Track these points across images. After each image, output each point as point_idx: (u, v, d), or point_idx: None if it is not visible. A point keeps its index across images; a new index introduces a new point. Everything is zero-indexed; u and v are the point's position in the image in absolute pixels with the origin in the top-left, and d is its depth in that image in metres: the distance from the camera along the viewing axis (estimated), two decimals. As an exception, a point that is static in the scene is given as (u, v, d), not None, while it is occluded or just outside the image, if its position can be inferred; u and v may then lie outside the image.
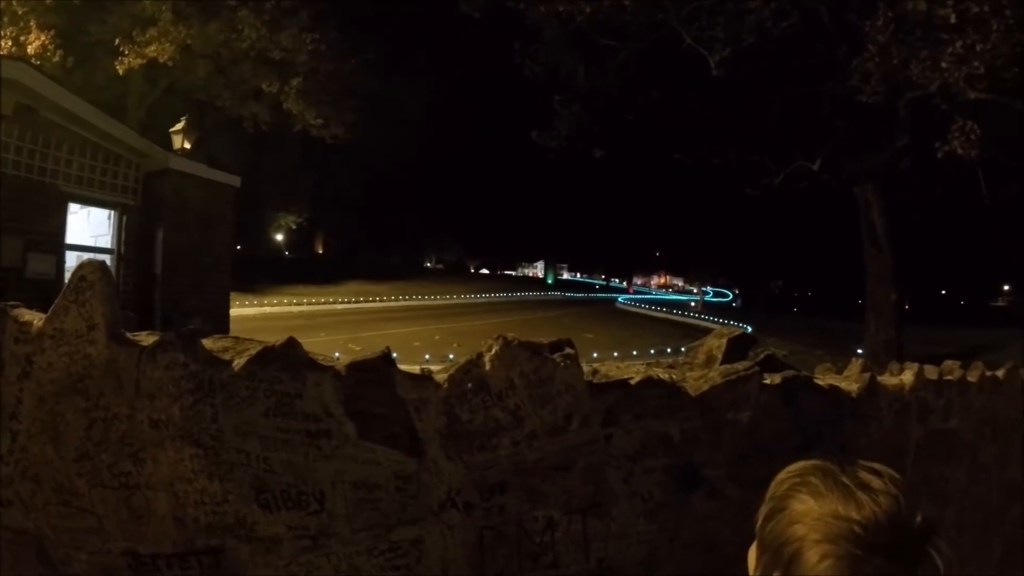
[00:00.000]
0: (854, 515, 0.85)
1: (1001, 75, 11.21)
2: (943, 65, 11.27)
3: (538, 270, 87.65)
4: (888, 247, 17.02)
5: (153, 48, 17.63)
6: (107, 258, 10.47)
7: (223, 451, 1.95)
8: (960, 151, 12.25)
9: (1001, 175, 14.59)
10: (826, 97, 15.17)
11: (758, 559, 0.97)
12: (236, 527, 1.96)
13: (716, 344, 2.84)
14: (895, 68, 12.14)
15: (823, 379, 3.01)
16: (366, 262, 51.29)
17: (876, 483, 0.88)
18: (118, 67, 17.74)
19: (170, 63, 18.32)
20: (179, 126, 12.43)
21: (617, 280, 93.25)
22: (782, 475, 0.97)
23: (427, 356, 14.65)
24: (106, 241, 10.79)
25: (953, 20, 10.94)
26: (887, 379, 3.20)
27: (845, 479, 0.89)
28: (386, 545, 2.01)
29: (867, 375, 3.00)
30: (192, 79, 20.27)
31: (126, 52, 17.60)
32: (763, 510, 0.96)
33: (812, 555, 0.85)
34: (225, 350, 2.14)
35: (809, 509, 0.89)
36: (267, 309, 25.91)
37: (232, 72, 20.30)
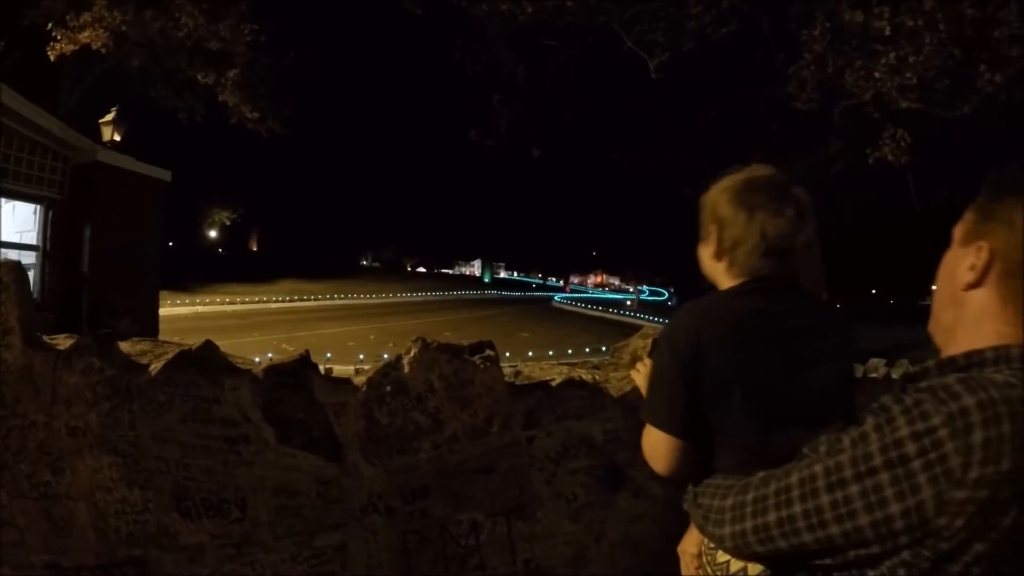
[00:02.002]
0: (744, 176, 1.56)
1: (932, 86, 11.69)
2: (877, 75, 11.69)
3: (475, 269, 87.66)
4: (819, 248, 17.56)
5: (87, 34, 16.96)
6: (32, 255, 10.07)
7: (142, 458, 1.91)
8: (891, 157, 12.76)
9: (930, 181, 15.18)
10: (762, 102, 15.57)
11: (706, 231, 1.63)
12: (158, 536, 1.92)
13: (641, 344, 2.89)
14: (830, 76, 12.55)
15: (747, 378, 3.10)
16: (301, 260, 50.42)
17: (762, 169, 1.57)
18: (50, 53, 17.07)
19: (104, 50, 17.70)
20: (109, 117, 12.02)
21: (554, 279, 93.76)
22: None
23: (361, 356, 14.50)
24: (32, 237, 10.36)
25: (888, 32, 11.35)
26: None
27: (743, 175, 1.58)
28: (309, 552, 2.01)
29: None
30: (126, 68, 19.63)
31: (59, 37, 16.94)
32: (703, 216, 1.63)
33: (721, 200, 1.57)
34: (143, 354, 2.09)
35: (719, 185, 1.60)
36: (199, 308, 25.27)
37: (168, 61, 19.72)
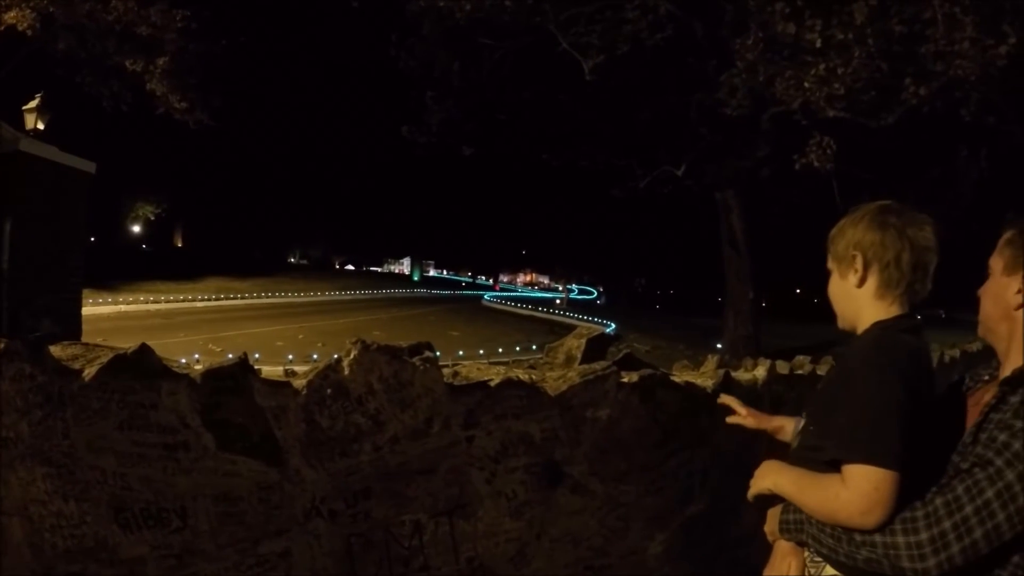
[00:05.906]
0: (876, 205, 1.62)
1: (859, 97, 12.24)
2: (806, 85, 12.19)
3: (404, 267, 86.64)
4: (746, 249, 18.22)
5: (13, 14, 16.16)
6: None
7: (77, 469, 1.84)
8: (816, 163, 13.32)
9: (854, 186, 15.89)
10: (694, 107, 15.99)
11: (844, 263, 1.67)
12: (97, 550, 1.85)
13: (575, 344, 2.96)
14: (760, 84, 12.99)
15: (680, 376, 3.20)
16: (228, 257, 48.76)
17: (888, 201, 1.62)
18: (-29, 34, 16.18)
19: (30, 32, 16.89)
20: (33, 104, 11.51)
21: (483, 277, 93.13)
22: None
23: (290, 356, 14.24)
24: (-56, 231, 9.83)
25: (818, 45, 11.83)
26: (741, 374, 3.45)
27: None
28: (253, 559, 1.98)
29: (722, 371, 3.22)
30: (51, 52, 18.75)
31: (-18, 17, 16.09)
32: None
33: (861, 226, 1.61)
34: (75, 358, 2.02)
35: (850, 219, 1.67)
36: (123, 307, 24.33)
37: (95, 46, 18.91)
